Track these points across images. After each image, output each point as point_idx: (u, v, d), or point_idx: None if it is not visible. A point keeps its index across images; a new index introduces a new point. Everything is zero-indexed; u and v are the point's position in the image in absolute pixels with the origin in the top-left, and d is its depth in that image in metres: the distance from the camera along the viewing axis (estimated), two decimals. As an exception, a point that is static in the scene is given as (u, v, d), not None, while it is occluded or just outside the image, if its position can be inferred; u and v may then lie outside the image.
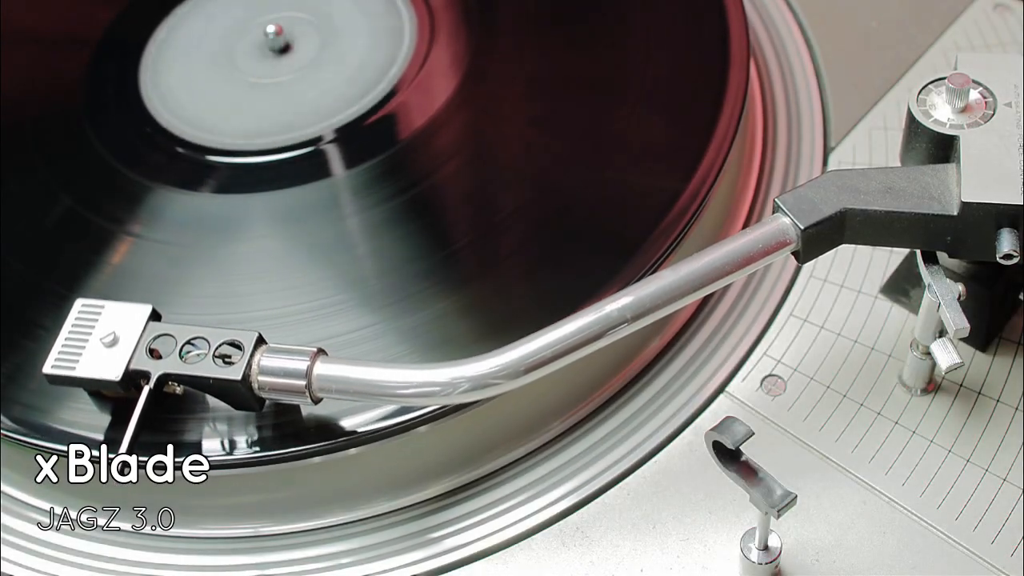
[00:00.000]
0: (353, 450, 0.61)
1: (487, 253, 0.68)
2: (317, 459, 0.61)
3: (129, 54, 0.83)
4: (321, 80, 0.79)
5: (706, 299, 0.70)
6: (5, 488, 0.68)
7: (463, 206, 0.72)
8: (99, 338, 0.60)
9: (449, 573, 0.61)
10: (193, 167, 0.75)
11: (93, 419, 0.62)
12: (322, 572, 0.62)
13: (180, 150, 0.77)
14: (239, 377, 0.57)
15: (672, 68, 0.75)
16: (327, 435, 0.60)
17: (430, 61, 0.78)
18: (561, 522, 0.62)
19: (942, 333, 0.59)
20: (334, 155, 0.75)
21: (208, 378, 0.58)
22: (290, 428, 0.61)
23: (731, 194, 0.74)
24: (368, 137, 0.75)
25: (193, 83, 0.81)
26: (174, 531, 0.64)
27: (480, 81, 0.77)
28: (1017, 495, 0.59)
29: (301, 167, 0.74)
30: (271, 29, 0.80)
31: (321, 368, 0.57)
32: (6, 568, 0.64)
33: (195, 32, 0.84)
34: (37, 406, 0.64)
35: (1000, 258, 0.55)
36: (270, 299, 0.67)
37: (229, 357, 0.58)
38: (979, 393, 0.63)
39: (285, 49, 0.81)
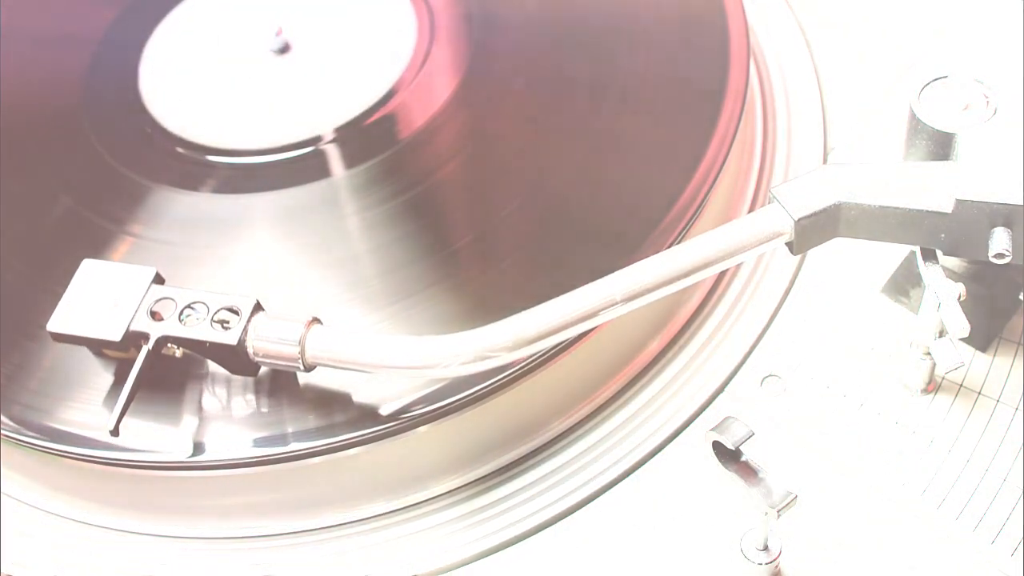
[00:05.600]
0: (353, 450, 0.61)
1: (487, 253, 0.68)
2: (317, 459, 0.61)
3: (129, 54, 0.83)
4: (321, 80, 0.79)
5: (706, 299, 0.70)
6: (5, 488, 0.68)
7: (463, 206, 0.72)
8: (102, 298, 0.61)
9: (449, 573, 0.61)
10: (193, 167, 0.75)
11: (93, 419, 0.62)
12: (322, 572, 0.62)
13: (180, 150, 0.77)
14: (235, 342, 0.58)
15: (672, 68, 0.75)
16: (327, 435, 0.61)
17: (430, 61, 0.78)
18: (561, 522, 0.62)
19: (942, 333, 0.59)
20: (334, 155, 0.75)
21: (205, 342, 0.59)
22: (289, 428, 0.61)
23: (731, 194, 0.74)
24: (368, 137, 0.75)
25: (193, 83, 0.81)
26: (174, 531, 0.64)
27: (480, 81, 0.77)
28: (1017, 495, 0.59)
29: (301, 167, 0.74)
30: (271, 29, 0.80)
31: (315, 336, 0.58)
32: (6, 568, 0.64)
33: (195, 32, 0.84)
34: (37, 406, 0.64)
35: (992, 257, 0.55)
36: (270, 299, 0.66)
37: (227, 322, 0.59)
38: (979, 393, 0.63)
39: (285, 49, 0.81)
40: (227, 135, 0.77)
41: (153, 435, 0.62)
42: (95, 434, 0.62)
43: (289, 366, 0.59)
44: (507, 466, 0.64)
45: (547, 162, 0.72)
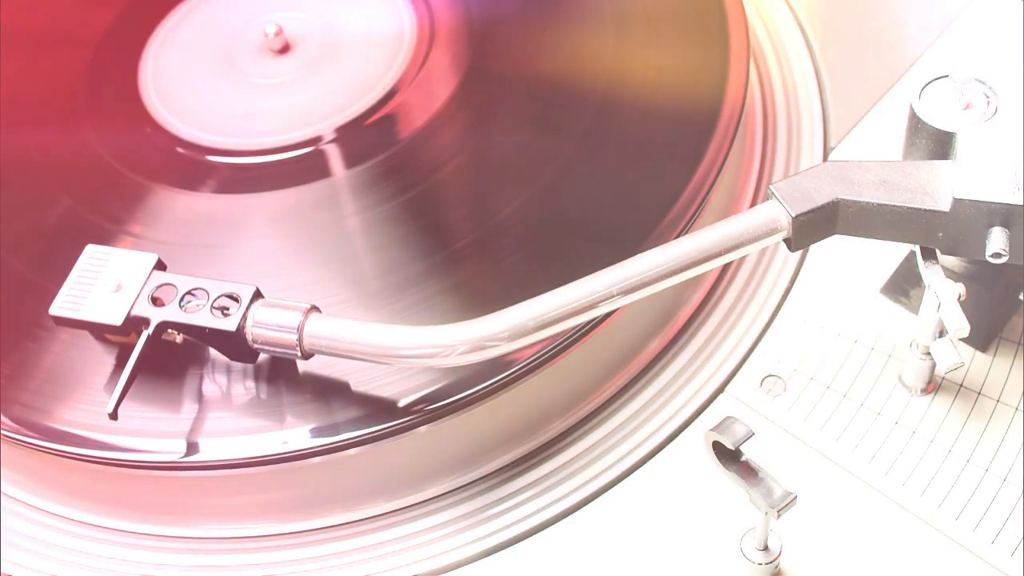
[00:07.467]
0: (353, 450, 0.61)
1: (487, 253, 0.68)
2: (317, 459, 0.61)
3: (129, 54, 0.83)
4: (321, 80, 0.79)
5: (706, 299, 0.70)
6: (5, 488, 0.68)
7: (463, 206, 0.72)
8: (105, 283, 0.62)
9: (448, 573, 0.61)
10: (193, 167, 0.75)
11: (93, 419, 0.62)
12: (322, 572, 0.62)
13: (180, 150, 0.77)
14: (234, 328, 0.59)
15: (672, 68, 0.75)
16: (327, 434, 0.61)
17: (430, 61, 0.78)
18: (561, 522, 0.62)
19: (942, 333, 0.59)
20: (334, 155, 0.75)
21: (204, 327, 0.60)
22: (290, 428, 0.61)
23: (731, 194, 0.74)
24: (368, 137, 0.75)
25: (193, 83, 0.81)
26: (174, 531, 0.64)
27: (480, 81, 0.77)
28: (1017, 495, 0.59)
29: (301, 167, 0.74)
30: (271, 29, 0.80)
31: (313, 324, 0.58)
32: (6, 568, 0.64)
33: (195, 32, 0.84)
34: (37, 406, 0.64)
35: (989, 256, 0.55)
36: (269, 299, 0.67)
37: (227, 309, 0.60)
38: (979, 393, 0.63)
39: (285, 49, 0.81)
40: (227, 135, 0.77)
41: (153, 435, 0.62)
42: (95, 434, 0.62)
43: (287, 353, 0.59)
44: (507, 466, 0.64)
45: (547, 162, 0.72)
